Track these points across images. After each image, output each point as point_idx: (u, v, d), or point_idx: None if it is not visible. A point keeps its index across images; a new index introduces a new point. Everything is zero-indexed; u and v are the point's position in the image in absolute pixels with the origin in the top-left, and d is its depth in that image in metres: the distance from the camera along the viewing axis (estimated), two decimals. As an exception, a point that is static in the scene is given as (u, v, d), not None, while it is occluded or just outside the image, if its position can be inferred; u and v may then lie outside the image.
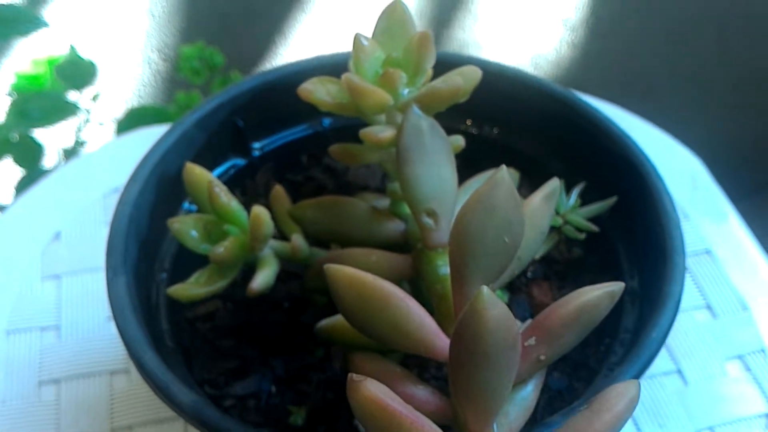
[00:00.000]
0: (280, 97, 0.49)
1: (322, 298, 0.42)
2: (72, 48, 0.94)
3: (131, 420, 0.49)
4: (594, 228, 0.41)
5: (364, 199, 0.46)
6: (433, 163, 0.35)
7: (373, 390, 0.27)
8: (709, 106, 1.21)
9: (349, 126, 0.51)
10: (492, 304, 0.27)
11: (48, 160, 0.95)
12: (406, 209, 0.41)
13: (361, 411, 0.27)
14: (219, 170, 0.48)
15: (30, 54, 1.03)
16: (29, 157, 0.89)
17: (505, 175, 0.30)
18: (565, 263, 0.45)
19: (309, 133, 0.51)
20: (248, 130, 0.48)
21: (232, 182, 0.49)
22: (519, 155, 0.47)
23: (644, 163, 0.43)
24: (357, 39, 0.36)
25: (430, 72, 0.37)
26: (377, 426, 0.27)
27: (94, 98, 0.93)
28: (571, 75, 1.28)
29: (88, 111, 0.94)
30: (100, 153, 0.65)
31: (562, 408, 0.39)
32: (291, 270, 0.44)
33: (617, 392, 0.29)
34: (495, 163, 0.45)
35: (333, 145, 0.39)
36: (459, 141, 0.37)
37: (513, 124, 0.48)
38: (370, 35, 0.39)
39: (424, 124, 0.35)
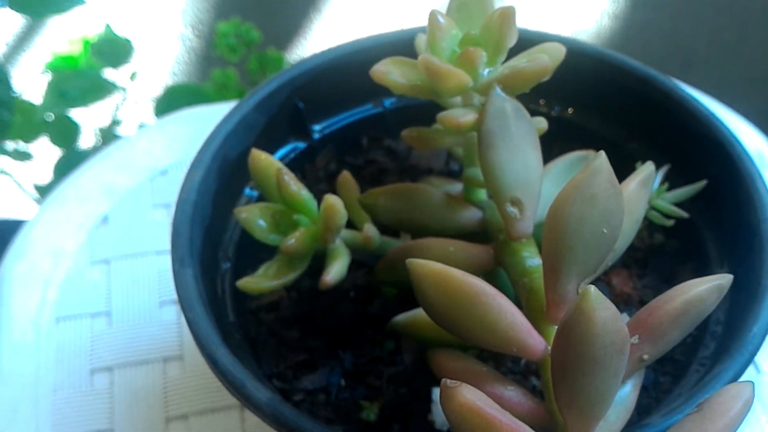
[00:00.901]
0: (341, 78, 0.47)
1: (392, 290, 0.40)
2: (107, 26, 0.92)
3: (186, 409, 0.48)
4: (683, 214, 0.38)
5: (431, 184, 0.44)
6: (518, 148, 0.33)
7: (470, 397, 0.25)
8: (752, 80, 1.16)
9: (411, 106, 0.49)
10: (601, 305, 0.25)
11: (84, 140, 0.94)
12: (482, 195, 0.39)
13: (458, 419, 0.26)
14: (279, 154, 0.46)
15: (66, 33, 1.02)
16: (66, 136, 0.88)
17: (604, 162, 0.28)
18: (646, 250, 0.43)
19: (369, 114, 0.49)
20: (308, 112, 0.47)
21: (292, 166, 0.46)
22: (595, 137, 0.44)
23: (734, 144, 0.40)
24: (433, 16, 0.34)
25: (507, 51, 0.35)
26: (475, 434, 0.25)
27: (132, 77, 0.92)
28: (611, 47, 1.24)
29: (125, 90, 0.92)
30: (142, 135, 0.63)
31: (649, 404, 0.37)
32: (357, 259, 0.43)
33: (731, 395, 0.27)
34: (570, 146, 0.43)
35: (405, 129, 0.37)
36: (542, 123, 0.35)
37: (589, 104, 0.45)
38: (444, 11, 0.37)
39: (509, 107, 0.33)
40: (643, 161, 0.41)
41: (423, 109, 0.47)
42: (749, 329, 0.33)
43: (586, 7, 1.24)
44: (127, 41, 0.92)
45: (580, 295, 0.25)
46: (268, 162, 0.37)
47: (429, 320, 0.32)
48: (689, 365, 0.37)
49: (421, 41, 0.42)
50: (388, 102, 0.49)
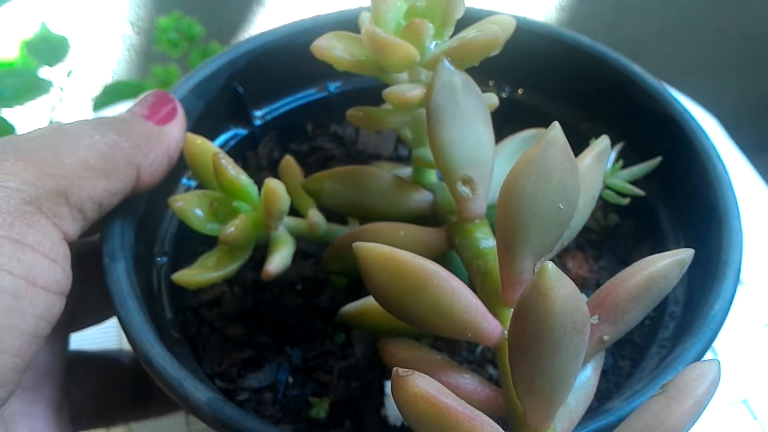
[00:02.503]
0: (282, 60, 0.45)
1: (341, 280, 0.39)
2: (43, 24, 0.90)
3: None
4: (639, 192, 0.37)
5: (380, 167, 0.42)
6: (469, 124, 0.31)
7: (423, 386, 0.24)
8: (699, 69, 1.17)
9: (356, 90, 0.47)
10: (559, 282, 0.23)
11: None
12: (433, 178, 0.37)
13: (410, 409, 0.24)
14: (218, 141, 0.44)
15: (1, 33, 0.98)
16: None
17: (558, 134, 0.27)
18: (601, 231, 0.42)
19: (314, 99, 0.47)
20: (249, 96, 0.44)
21: (233, 154, 0.44)
22: (547, 117, 0.43)
23: (688, 120, 0.39)
24: (376, -13, 0.32)
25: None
26: (429, 425, 0.24)
27: (69, 74, 0.89)
28: None
29: (61, 89, 0.89)
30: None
31: (609, 390, 0.36)
32: (303, 249, 0.41)
33: (697, 374, 0.25)
34: (521, 128, 0.42)
35: (351, 109, 0.35)
36: (492, 99, 0.34)
37: (539, 84, 0.44)
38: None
39: (458, 81, 0.31)
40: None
41: (369, 93, 0.45)
42: (710, 307, 0.32)
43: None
44: (63, 39, 0.89)
45: (537, 273, 0.23)
46: (204, 146, 0.35)
47: (380, 308, 0.31)
48: (649, 348, 0.36)
49: (365, 19, 0.41)
50: (332, 86, 0.47)
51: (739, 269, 0.33)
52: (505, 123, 0.42)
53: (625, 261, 0.41)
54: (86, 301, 0.35)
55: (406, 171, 0.40)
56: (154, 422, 0.46)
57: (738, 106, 1.09)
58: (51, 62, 0.88)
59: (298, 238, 0.36)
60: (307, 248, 0.41)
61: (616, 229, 0.42)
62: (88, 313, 0.38)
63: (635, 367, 0.36)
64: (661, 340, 0.36)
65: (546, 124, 0.42)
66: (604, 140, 0.32)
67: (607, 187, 0.38)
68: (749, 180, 0.52)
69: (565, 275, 0.23)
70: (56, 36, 0.88)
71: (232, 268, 0.33)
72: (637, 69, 0.41)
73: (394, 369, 0.24)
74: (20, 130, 0.88)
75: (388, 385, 0.36)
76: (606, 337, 0.27)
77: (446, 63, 0.31)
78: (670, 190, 0.39)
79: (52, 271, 0.28)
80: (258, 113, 0.45)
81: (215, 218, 0.34)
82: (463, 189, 0.31)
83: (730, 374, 0.47)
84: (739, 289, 0.47)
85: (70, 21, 1.08)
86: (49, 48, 0.88)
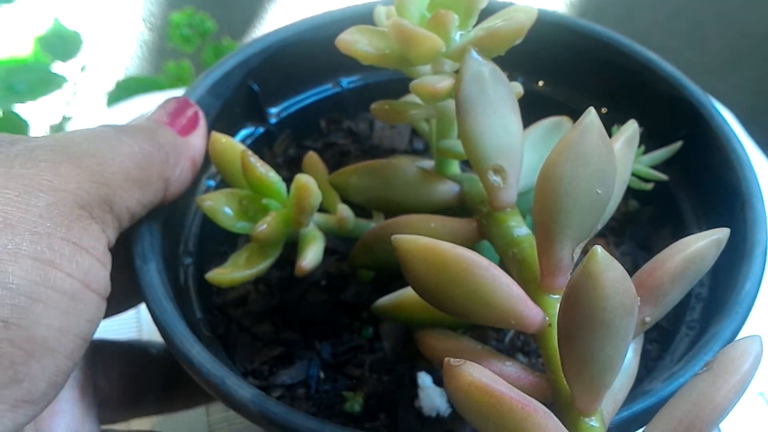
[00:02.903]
0: (297, 57, 0.45)
1: (368, 274, 0.39)
2: (56, 20, 0.89)
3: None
4: (662, 176, 0.37)
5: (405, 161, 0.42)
6: (498, 113, 0.31)
7: (476, 375, 0.24)
8: (708, 66, 1.17)
9: (369, 85, 0.47)
10: (609, 265, 0.23)
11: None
12: (456, 169, 0.37)
13: (464, 398, 0.24)
14: (236, 139, 0.44)
15: (14, 29, 0.98)
16: (14, 134, 0.85)
17: (594, 119, 0.27)
18: (621, 217, 0.42)
19: (328, 95, 0.47)
20: (264, 94, 0.44)
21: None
22: (565, 108, 0.43)
23: (704, 104, 0.39)
24: (399, -20, 0.32)
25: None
26: (484, 413, 0.24)
27: (82, 69, 0.89)
28: None
29: (75, 84, 0.89)
30: (91, 119, 0.61)
31: (640, 373, 0.36)
32: (326, 245, 0.41)
33: (740, 350, 0.26)
34: (539, 117, 0.42)
35: (374, 103, 0.35)
36: (518, 88, 0.34)
37: (556, 74, 0.44)
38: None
39: (486, 71, 0.31)
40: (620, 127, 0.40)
41: (382, 88, 0.45)
42: (741, 287, 0.32)
43: None
44: (77, 34, 0.89)
45: (587, 257, 0.23)
46: (229, 145, 0.35)
47: (415, 300, 0.31)
48: (677, 331, 0.36)
49: (380, 13, 0.41)
50: (346, 81, 0.47)
51: (766, 249, 0.34)
52: (525, 115, 0.42)
53: (647, 246, 0.41)
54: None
55: (427, 163, 0.40)
56: (176, 415, 0.46)
57: (749, 101, 1.10)
58: (64, 57, 0.88)
59: (326, 233, 0.37)
60: (332, 245, 0.41)
61: (636, 214, 0.42)
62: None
63: (664, 350, 0.36)
64: (689, 323, 0.36)
65: (563, 112, 0.43)
66: (632, 125, 0.32)
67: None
68: (764, 175, 0.53)
69: (613, 258, 0.23)
70: (69, 31, 0.89)
71: (264, 265, 0.33)
72: (650, 54, 0.41)
73: (446, 359, 0.24)
74: (33, 125, 0.89)
75: (420, 377, 0.36)
76: (648, 319, 0.28)
77: (474, 53, 0.31)
78: (690, 175, 0.40)
79: (102, 274, 0.28)
80: (273, 111, 0.45)
81: (245, 216, 0.34)
82: (495, 178, 0.31)
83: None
84: None
85: (84, 17, 1.09)
86: (62, 43, 0.88)
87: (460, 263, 0.27)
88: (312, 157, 0.38)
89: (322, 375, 0.37)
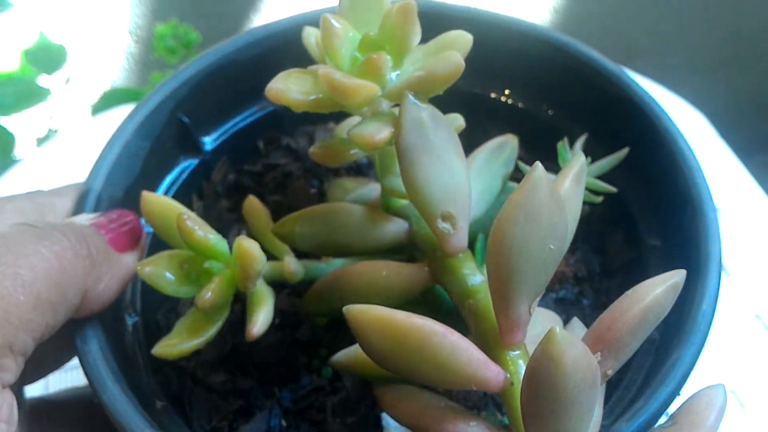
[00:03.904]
0: (225, 81, 0.42)
1: (322, 319, 0.38)
2: (41, 33, 0.91)
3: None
4: (612, 189, 0.37)
5: (343, 187, 0.41)
6: (442, 159, 0.30)
7: None
8: (693, 69, 1.17)
9: (305, 99, 0.45)
10: (568, 345, 0.23)
11: (22, 152, 0.91)
12: (404, 201, 0.36)
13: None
14: (170, 177, 0.42)
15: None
16: (1, 147, 0.85)
17: (542, 175, 0.26)
18: (574, 224, 0.41)
19: (263, 114, 0.45)
20: (195, 124, 0.42)
21: (187, 186, 0.42)
22: (509, 109, 0.42)
23: (651, 105, 0.39)
24: (326, 21, 0.30)
25: (413, 46, 0.31)
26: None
27: (67, 81, 0.89)
28: None
29: (60, 96, 0.90)
30: (75, 134, 0.60)
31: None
32: (276, 281, 0.39)
33: (705, 402, 0.25)
34: (483, 120, 0.41)
35: (312, 147, 0.33)
36: (459, 121, 0.32)
37: (498, 74, 0.43)
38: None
39: (425, 116, 0.30)
40: (564, 130, 0.40)
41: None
42: (698, 306, 0.32)
43: (527, 1, 1.21)
44: (62, 48, 0.91)
45: (544, 338, 0.23)
46: (163, 205, 0.33)
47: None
48: (635, 353, 0.36)
49: (309, 37, 0.39)
50: (280, 99, 0.45)
51: (720, 262, 0.33)
52: (466, 114, 0.41)
53: (601, 250, 0.41)
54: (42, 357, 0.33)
55: (372, 188, 0.38)
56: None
57: (732, 105, 1.10)
58: (49, 70, 0.90)
59: (274, 281, 0.35)
60: (283, 280, 0.39)
61: (588, 219, 0.41)
62: (43, 367, 0.36)
63: (623, 373, 0.36)
64: (646, 342, 0.36)
65: (509, 115, 0.42)
66: (580, 158, 0.31)
67: (577, 184, 0.38)
68: (741, 179, 0.52)
69: (573, 336, 0.23)
70: (54, 45, 0.90)
71: (211, 332, 0.32)
72: (592, 53, 0.40)
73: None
74: (20, 138, 0.88)
75: (384, 417, 0.35)
76: (610, 372, 0.27)
77: (411, 99, 0.30)
78: (638, 176, 0.39)
79: None
80: (207, 139, 0.43)
81: (187, 280, 0.32)
82: (444, 225, 0.30)
83: (720, 365, 0.47)
84: (727, 280, 0.48)
85: (69, 30, 1.08)
86: (47, 57, 0.90)
87: (417, 334, 0.26)
88: (251, 203, 0.36)
89: (284, 423, 0.36)
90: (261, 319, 0.31)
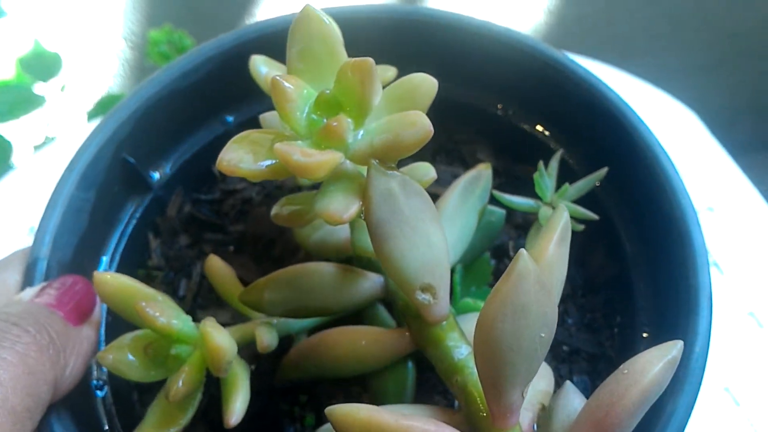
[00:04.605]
0: (167, 111, 0.39)
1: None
2: (36, 41, 0.91)
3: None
4: (593, 216, 0.35)
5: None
6: (417, 230, 0.28)
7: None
8: (688, 68, 1.13)
9: (256, 117, 0.42)
10: None
11: (19, 159, 0.91)
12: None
13: None
14: (121, 222, 0.39)
15: None
16: None
17: (528, 264, 0.24)
18: (552, 238, 0.40)
19: (212, 137, 0.42)
20: (142, 162, 0.39)
21: (141, 227, 0.40)
22: (483, 115, 0.40)
23: (626, 112, 0.36)
24: (277, 85, 0.27)
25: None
26: None
27: (62, 89, 0.90)
28: (549, 42, 1.14)
29: (55, 103, 0.91)
30: (71, 141, 0.60)
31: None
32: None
33: (656, 354, 0.25)
34: (459, 124, 0.39)
35: (273, 209, 0.31)
36: (430, 174, 0.30)
37: (473, 78, 0.40)
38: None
39: (395, 185, 0.27)
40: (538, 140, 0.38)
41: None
42: (691, 349, 0.31)
43: (522, 3, 1.15)
44: (56, 56, 0.91)
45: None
46: (119, 285, 0.31)
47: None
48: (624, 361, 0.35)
49: (257, 67, 0.36)
50: (230, 117, 0.42)
51: (711, 295, 0.32)
52: (445, 118, 0.39)
53: (583, 263, 0.39)
54: None
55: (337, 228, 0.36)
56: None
57: (728, 105, 1.07)
58: (45, 78, 0.90)
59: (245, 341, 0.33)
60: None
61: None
62: None
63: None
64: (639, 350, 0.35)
65: (485, 121, 0.39)
66: (563, 217, 0.29)
67: (554, 208, 0.36)
68: (736, 179, 0.51)
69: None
70: (49, 53, 0.91)
71: (185, 421, 0.30)
72: (566, 59, 0.38)
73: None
74: (17, 145, 0.89)
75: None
76: (609, 454, 0.26)
77: (377, 169, 0.27)
78: (618, 190, 0.37)
79: None
80: (156, 174, 0.40)
81: (153, 364, 0.30)
82: (424, 297, 0.28)
83: (714, 363, 0.47)
84: (721, 278, 0.47)
85: (64, 37, 1.09)
86: (42, 64, 0.90)
87: (406, 437, 0.25)
88: (212, 261, 0.34)
89: (273, 482, 0.35)
90: (238, 408, 0.29)
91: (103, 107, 0.86)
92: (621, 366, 0.26)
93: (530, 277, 0.24)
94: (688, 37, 1.14)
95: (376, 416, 0.25)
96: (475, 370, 0.28)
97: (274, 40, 0.38)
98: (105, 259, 0.38)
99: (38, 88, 0.88)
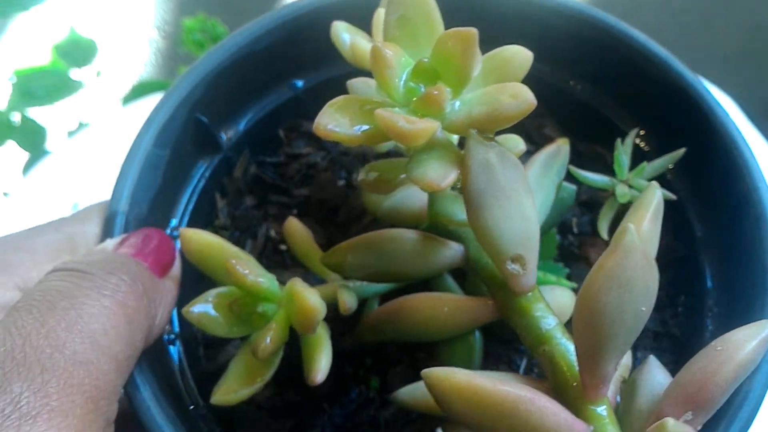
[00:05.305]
0: (241, 73, 0.39)
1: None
2: (71, 28, 0.92)
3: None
4: (670, 196, 0.35)
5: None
6: (512, 201, 0.28)
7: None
8: (718, 59, 1.11)
9: (326, 81, 0.42)
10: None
11: (52, 145, 0.93)
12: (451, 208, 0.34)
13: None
14: (192, 181, 0.39)
15: (30, 38, 1.06)
16: (33, 140, 0.88)
17: (635, 239, 0.24)
18: (619, 215, 0.40)
19: (281, 102, 0.42)
20: (213, 122, 0.39)
21: (209, 187, 0.40)
22: (553, 90, 0.40)
23: (704, 94, 0.36)
24: (377, 52, 0.27)
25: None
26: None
27: (97, 74, 0.92)
28: None
29: (90, 90, 0.92)
30: (104, 127, 0.64)
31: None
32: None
33: (747, 333, 0.25)
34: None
35: (361, 174, 0.31)
36: (519, 146, 0.30)
37: (547, 53, 0.40)
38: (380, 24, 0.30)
39: (493, 157, 0.27)
40: (615, 118, 0.38)
41: (341, 83, 0.41)
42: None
43: None
44: (92, 42, 0.93)
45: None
46: (205, 242, 0.31)
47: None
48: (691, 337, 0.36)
49: (340, 35, 0.35)
50: (299, 82, 0.42)
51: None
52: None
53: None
54: None
55: (410, 193, 0.36)
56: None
57: (759, 95, 1.06)
58: (80, 64, 0.92)
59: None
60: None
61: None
62: None
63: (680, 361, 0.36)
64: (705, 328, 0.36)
65: (564, 102, 0.39)
66: (657, 194, 0.29)
67: (630, 186, 0.36)
68: None
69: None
70: (85, 39, 0.92)
71: (268, 376, 0.31)
72: (650, 44, 0.38)
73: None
74: (51, 131, 0.91)
75: (440, 433, 0.35)
76: (698, 428, 0.27)
77: (477, 139, 0.27)
78: (689, 171, 0.38)
79: None
80: (225, 136, 0.40)
81: (238, 321, 0.31)
82: (514, 267, 0.29)
83: None
84: None
85: (98, 26, 1.11)
86: (78, 51, 0.92)
87: (504, 402, 0.25)
88: (291, 224, 0.34)
89: (337, 440, 0.36)
90: (323, 365, 0.30)
91: (137, 93, 0.88)
92: (713, 342, 0.26)
93: (637, 252, 0.24)
94: (716, 28, 1.14)
95: (474, 381, 0.25)
96: (563, 340, 0.28)
97: (347, 7, 0.39)
98: (176, 216, 0.38)
99: (73, 74, 0.90)
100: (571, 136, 0.42)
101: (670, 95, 0.37)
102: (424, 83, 0.28)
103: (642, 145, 0.39)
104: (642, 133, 0.39)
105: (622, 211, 0.39)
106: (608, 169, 0.39)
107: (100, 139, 0.62)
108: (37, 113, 0.86)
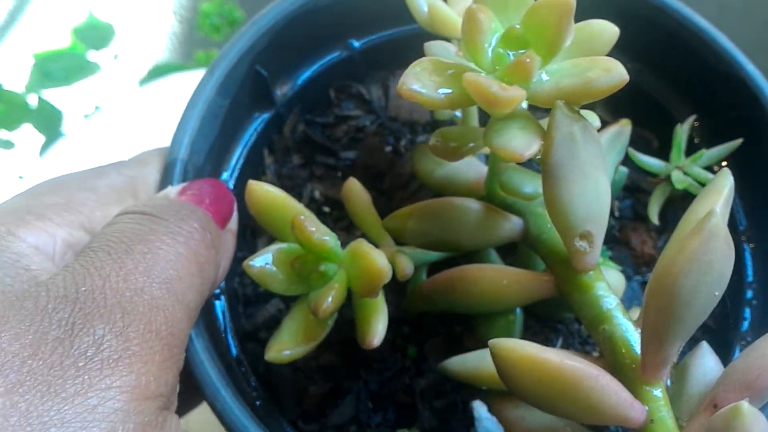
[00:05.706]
0: (302, 29, 0.39)
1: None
2: (90, 13, 0.94)
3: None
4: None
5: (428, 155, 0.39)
6: (589, 178, 0.28)
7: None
8: (762, 44, 1.11)
9: (383, 43, 0.42)
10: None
11: (68, 128, 0.94)
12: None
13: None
14: (246, 135, 0.39)
15: (48, 21, 1.07)
16: (49, 123, 0.90)
17: (719, 223, 0.24)
18: (667, 199, 0.40)
19: (336, 60, 0.41)
20: (271, 76, 0.39)
21: (259, 141, 0.40)
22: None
23: (763, 86, 0.37)
24: (472, 15, 0.27)
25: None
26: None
27: (115, 57, 0.95)
28: None
29: (107, 73, 0.95)
30: (120, 109, 0.63)
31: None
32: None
33: None
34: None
35: (432, 140, 0.31)
36: (595, 123, 0.30)
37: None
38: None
39: (577, 131, 0.27)
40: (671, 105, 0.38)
41: (398, 45, 0.41)
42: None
43: None
44: (109, 26, 0.95)
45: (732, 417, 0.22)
46: (270, 197, 0.31)
47: (493, 372, 0.29)
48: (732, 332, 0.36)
49: (419, 3, 0.35)
50: (356, 43, 0.41)
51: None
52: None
53: (689, 232, 0.40)
54: None
55: (465, 164, 0.36)
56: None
57: None
58: (98, 47, 0.95)
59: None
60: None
61: (680, 199, 0.40)
62: None
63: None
64: (743, 335, 0.36)
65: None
66: (728, 179, 0.29)
67: (685, 173, 0.36)
68: None
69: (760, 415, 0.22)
70: (103, 23, 0.95)
71: (323, 335, 0.31)
72: (712, 31, 0.38)
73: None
74: (67, 114, 0.92)
75: (476, 408, 0.35)
76: (755, 414, 0.27)
77: (564, 111, 0.27)
78: (740, 165, 0.38)
79: None
80: (280, 91, 0.40)
81: (298, 278, 0.31)
82: (581, 243, 0.29)
83: None
84: None
85: (116, 10, 1.11)
86: (96, 34, 0.94)
87: (569, 377, 0.25)
88: (351, 184, 0.34)
89: (370, 405, 0.36)
90: (380, 329, 0.30)
91: (153, 75, 0.89)
92: (775, 331, 0.27)
93: (721, 235, 0.24)
94: (731, 22, 1.14)
95: (542, 354, 0.25)
96: (624, 320, 0.28)
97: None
98: (227, 169, 0.38)
99: (91, 56, 0.92)
100: (621, 118, 0.43)
101: (729, 87, 0.37)
102: (512, 50, 0.28)
103: (693, 133, 0.39)
104: (696, 124, 0.39)
105: (671, 198, 0.39)
106: (655, 155, 0.39)
107: (116, 121, 0.62)
108: (53, 96, 0.88)
